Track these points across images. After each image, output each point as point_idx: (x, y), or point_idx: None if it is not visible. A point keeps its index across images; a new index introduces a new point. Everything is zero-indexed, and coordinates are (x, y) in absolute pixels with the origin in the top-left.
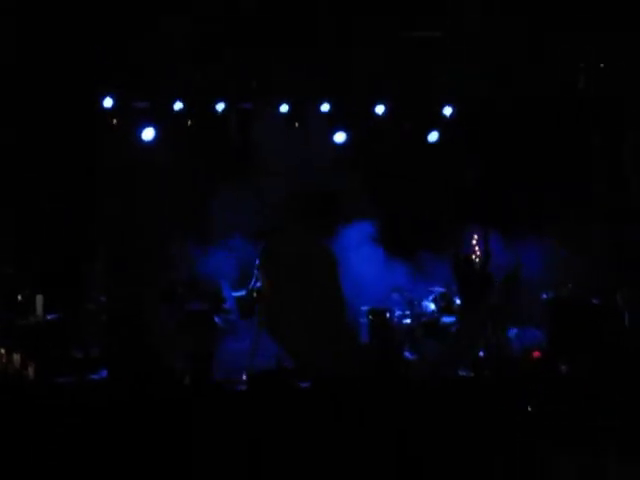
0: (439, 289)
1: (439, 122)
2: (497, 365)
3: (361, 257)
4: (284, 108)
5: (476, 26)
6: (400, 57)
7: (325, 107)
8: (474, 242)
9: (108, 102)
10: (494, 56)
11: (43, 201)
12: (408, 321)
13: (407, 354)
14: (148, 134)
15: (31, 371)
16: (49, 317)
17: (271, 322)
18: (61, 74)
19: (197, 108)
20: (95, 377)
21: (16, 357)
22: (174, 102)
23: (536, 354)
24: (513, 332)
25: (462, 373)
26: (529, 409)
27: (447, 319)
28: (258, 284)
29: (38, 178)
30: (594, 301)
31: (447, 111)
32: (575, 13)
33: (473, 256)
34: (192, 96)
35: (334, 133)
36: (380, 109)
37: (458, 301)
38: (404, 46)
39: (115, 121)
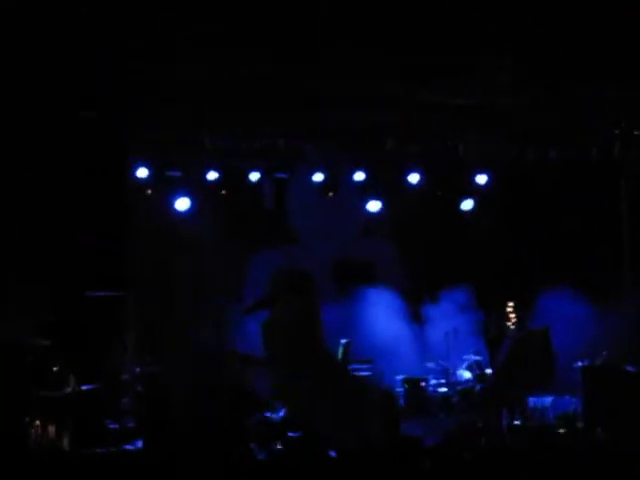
0: (474, 357)
1: (473, 190)
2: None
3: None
4: (318, 177)
5: (507, 93)
6: (432, 124)
7: (359, 176)
8: (509, 309)
9: (142, 172)
10: (526, 122)
11: (76, 272)
12: (444, 389)
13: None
14: (182, 204)
15: (66, 442)
16: (84, 388)
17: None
18: (93, 143)
19: (232, 178)
20: (130, 447)
21: (51, 429)
22: (208, 172)
23: None
24: (549, 400)
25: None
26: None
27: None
28: None
29: (71, 250)
30: (629, 368)
31: (481, 179)
32: (610, 77)
33: (508, 323)
34: (226, 166)
35: (367, 202)
36: (414, 178)
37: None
38: (436, 113)
39: (149, 191)
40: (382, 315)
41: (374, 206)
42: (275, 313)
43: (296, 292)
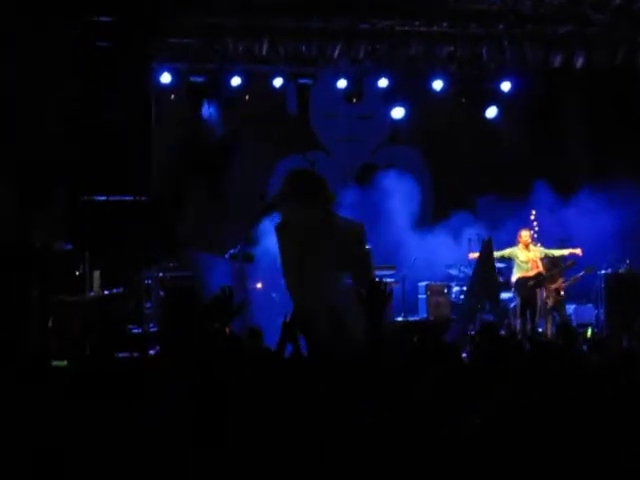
0: (496, 265)
1: (497, 97)
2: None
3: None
4: (342, 83)
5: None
6: (457, 31)
7: (383, 83)
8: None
9: (166, 77)
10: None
11: (100, 182)
12: None
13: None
14: (206, 109)
15: (88, 348)
16: (107, 292)
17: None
18: (116, 48)
19: (255, 83)
20: (152, 352)
21: (74, 333)
22: (231, 77)
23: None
24: (571, 308)
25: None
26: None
27: (505, 294)
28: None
29: (93, 159)
30: None
31: (505, 86)
32: None
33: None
34: (250, 71)
35: (392, 108)
36: (438, 84)
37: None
38: (461, 20)
39: (173, 96)
40: (405, 221)
41: (398, 113)
42: (285, 216)
43: (306, 196)
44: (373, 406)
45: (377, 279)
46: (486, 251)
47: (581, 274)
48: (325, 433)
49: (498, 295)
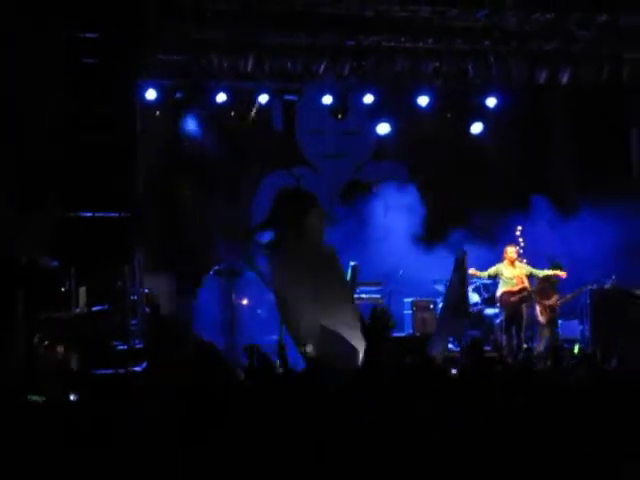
0: (482, 280)
1: (483, 113)
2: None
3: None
4: (327, 99)
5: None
6: (442, 47)
7: (369, 99)
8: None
9: (151, 94)
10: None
11: (86, 197)
12: None
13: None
14: (191, 126)
15: (74, 363)
16: (93, 309)
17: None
18: (101, 65)
19: (240, 100)
20: (138, 369)
21: (60, 349)
22: (217, 93)
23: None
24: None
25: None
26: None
27: (490, 310)
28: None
29: (78, 175)
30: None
31: (491, 102)
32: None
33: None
34: (235, 88)
35: (377, 124)
36: (424, 100)
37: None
38: (446, 36)
39: (158, 113)
40: (391, 237)
41: (383, 128)
42: (277, 236)
43: (298, 215)
44: (372, 406)
45: (380, 308)
46: (459, 267)
47: (578, 290)
48: (324, 432)
49: (468, 309)
